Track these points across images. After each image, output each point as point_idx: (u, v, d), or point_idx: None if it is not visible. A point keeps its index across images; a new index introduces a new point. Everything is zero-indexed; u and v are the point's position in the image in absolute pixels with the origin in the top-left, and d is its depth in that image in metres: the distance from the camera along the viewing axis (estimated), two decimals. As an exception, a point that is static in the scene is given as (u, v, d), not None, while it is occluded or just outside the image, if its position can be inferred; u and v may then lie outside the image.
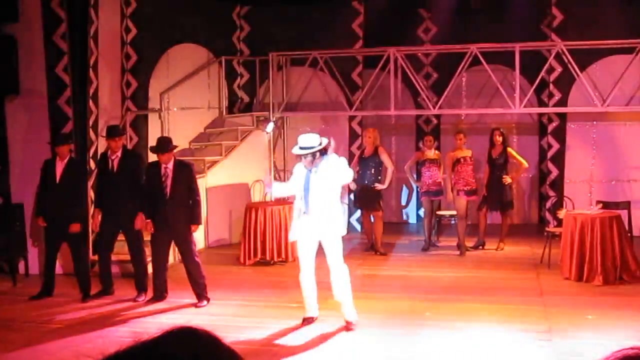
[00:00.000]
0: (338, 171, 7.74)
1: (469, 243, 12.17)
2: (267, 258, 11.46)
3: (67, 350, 7.44)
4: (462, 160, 12.03)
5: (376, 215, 12.23)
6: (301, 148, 7.71)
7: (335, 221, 7.83)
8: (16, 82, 10.68)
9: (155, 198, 9.02)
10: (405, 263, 11.58)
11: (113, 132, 9.47)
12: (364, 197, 12.03)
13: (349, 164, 12.51)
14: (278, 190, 8.67)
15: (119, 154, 9.39)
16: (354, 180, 11.41)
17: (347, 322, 7.94)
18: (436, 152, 12.58)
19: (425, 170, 12.36)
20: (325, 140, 7.76)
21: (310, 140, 7.71)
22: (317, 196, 7.75)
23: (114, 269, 10.08)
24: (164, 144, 9.11)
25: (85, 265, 9.70)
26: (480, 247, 12.31)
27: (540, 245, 11.39)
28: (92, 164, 11.01)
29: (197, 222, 9.19)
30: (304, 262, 7.97)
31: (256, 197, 13.60)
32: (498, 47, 12.90)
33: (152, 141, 12.32)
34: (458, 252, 11.92)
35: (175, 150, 9.39)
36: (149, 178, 9.20)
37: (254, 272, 11.06)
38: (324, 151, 7.76)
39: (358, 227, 14.56)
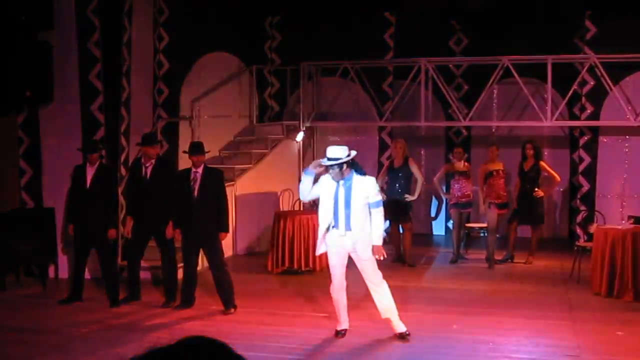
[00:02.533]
0: (370, 195, 7.69)
1: (498, 256, 12.08)
2: (295, 266, 11.47)
3: (95, 355, 7.50)
4: (494, 173, 11.90)
5: (405, 227, 12.17)
6: (328, 159, 7.66)
7: (367, 237, 7.77)
8: (50, 88, 10.81)
9: (185, 204, 9.07)
10: (434, 275, 11.54)
11: (149, 140, 9.53)
12: (393, 209, 11.76)
13: (377, 173, 12.59)
14: (306, 182, 8.29)
15: (153, 161, 9.45)
16: (383, 190, 11.38)
17: (401, 334, 7.89)
18: (466, 163, 12.49)
19: (454, 183, 12.27)
20: (354, 153, 7.71)
21: (338, 151, 7.64)
22: (347, 210, 7.69)
23: (144, 275, 10.14)
24: (197, 147, 9.21)
25: (114, 270, 9.76)
26: (509, 260, 12.21)
27: (570, 260, 11.27)
28: (123, 170, 11.10)
29: (225, 230, 9.21)
30: (335, 275, 7.90)
31: (285, 205, 13.61)
32: (530, 59, 12.85)
33: (182, 149, 12.41)
34: (487, 265, 11.83)
35: (206, 156, 9.43)
36: (179, 184, 9.26)
37: (282, 281, 11.07)
38: (352, 164, 7.74)
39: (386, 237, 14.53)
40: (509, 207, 12.20)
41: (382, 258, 7.79)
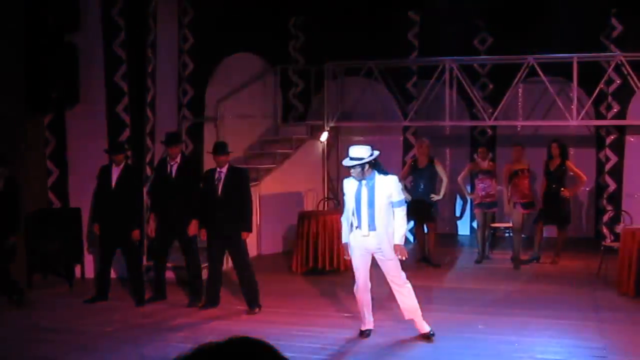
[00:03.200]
0: (393, 194, 7.68)
1: (524, 257, 12.00)
2: (320, 266, 11.47)
3: (120, 354, 7.55)
4: (519, 172, 11.79)
5: (429, 227, 12.13)
6: (351, 159, 7.64)
7: (391, 237, 7.75)
8: (76, 89, 10.90)
9: (210, 205, 9.11)
10: (458, 275, 11.49)
11: (172, 140, 9.58)
12: (417, 208, 11.66)
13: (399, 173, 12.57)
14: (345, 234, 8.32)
15: (177, 160, 9.51)
16: (407, 190, 11.44)
17: (425, 334, 7.88)
18: (490, 163, 12.42)
19: (478, 182, 12.20)
20: (377, 152, 7.69)
21: (360, 151, 7.63)
22: (370, 209, 7.67)
23: (169, 275, 10.20)
24: (220, 147, 9.26)
25: (139, 270, 9.82)
26: (535, 260, 12.13)
27: (596, 260, 11.19)
28: (149, 171, 11.17)
29: (247, 229, 9.22)
30: (359, 275, 7.87)
31: (309, 205, 13.62)
32: (555, 58, 12.76)
33: (207, 149, 12.46)
34: (512, 265, 11.76)
35: (230, 156, 9.46)
36: (205, 184, 9.31)
37: (306, 281, 11.08)
38: (375, 163, 7.73)
39: (410, 237, 14.50)
40: (534, 207, 12.08)
41: (404, 258, 7.77)
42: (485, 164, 12.25)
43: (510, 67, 13.20)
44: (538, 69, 12.59)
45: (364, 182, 7.65)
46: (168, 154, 9.59)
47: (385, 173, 7.77)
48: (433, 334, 7.87)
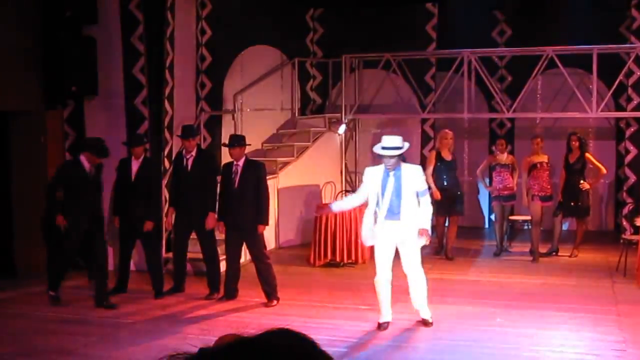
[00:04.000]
0: (419, 183, 7.68)
1: (543, 249, 11.95)
2: (337, 259, 11.47)
3: (139, 346, 7.59)
4: (538, 165, 11.74)
5: (453, 219, 12.07)
6: (387, 148, 7.56)
7: (414, 227, 7.74)
8: (95, 82, 10.94)
9: (227, 198, 9.14)
10: (477, 268, 11.45)
11: (187, 133, 9.61)
12: (441, 201, 11.54)
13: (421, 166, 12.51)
14: (338, 207, 8.66)
15: (193, 153, 9.54)
16: (435, 183, 11.50)
17: (424, 320, 8.02)
18: (509, 156, 12.38)
19: (496, 175, 12.16)
20: (407, 144, 7.68)
21: (396, 141, 7.60)
22: (397, 199, 7.64)
23: (187, 267, 10.23)
24: (235, 139, 9.28)
25: (158, 262, 9.87)
26: (554, 253, 12.08)
27: (616, 253, 11.12)
28: (167, 164, 11.20)
29: (264, 222, 9.22)
30: (382, 266, 7.86)
31: (327, 198, 13.62)
32: (575, 49, 12.67)
33: (225, 142, 12.48)
34: (531, 258, 11.72)
35: (246, 149, 9.47)
36: (223, 177, 9.32)
37: (324, 273, 11.09)
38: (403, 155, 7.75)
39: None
40: (552, 199, 11.99)
41: (428, 242, 7.89)
42: (503, 157, 12.18)
43: (529, 59, 13.12)
44: (557, 61, 12.50)
45: (392, 172, 7.61)
46: (184, 146, 9.62)
47: (408, 163, 7.81)
48: (431, 323, 8.02)
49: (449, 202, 11.75)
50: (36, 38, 10.71)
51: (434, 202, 10.13)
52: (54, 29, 10.63)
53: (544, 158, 11.85)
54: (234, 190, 9.08)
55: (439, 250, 12.17)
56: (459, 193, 11.98)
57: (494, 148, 12.88)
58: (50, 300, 9.22)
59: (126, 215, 9.57)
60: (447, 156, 11.87)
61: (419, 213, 7.75)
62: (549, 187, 11.86)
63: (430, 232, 7.89)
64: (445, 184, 11.74)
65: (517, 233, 13.60)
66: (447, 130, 12.14)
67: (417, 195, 7.71)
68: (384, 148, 7.58)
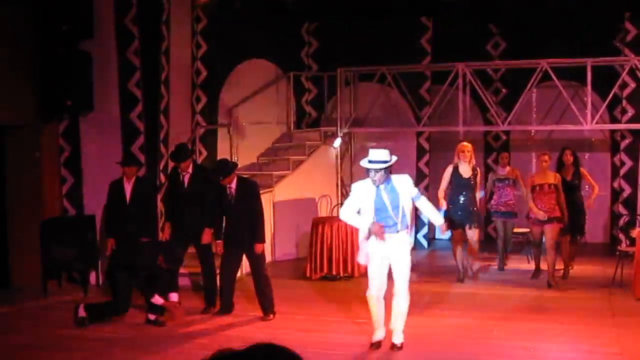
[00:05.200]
0: (411, 190, 7.61)
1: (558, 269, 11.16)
2: (334, 273, 11.46)
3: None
4: (537, 188, 10.60)
5: (470, 235, 10.89)
6: (373, 162, 7.43)
7: (407, 243, 7.70)
8: (90, 97, 10.95)
9: (225, 219, 9.15)
10: (474, 281, 11.41)
11: (180, 157, 9.47)
12: (458, 220, 10.73)
13: (416, 179, 12.41)
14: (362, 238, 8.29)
15: (189, 170, 9.51)
16: (452, 203, 10.81)
17: (393, 344, 7.76)
18: (511, 169, 12.01)
19: (496, 190, 11.87)
20: (395, 158, 7.60)
21: (382, 154, 7.45)
22: (395, 211, 7.53)
23: (184, 282, 10.20)
24: (223, 168, 9.14)
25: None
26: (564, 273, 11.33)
27: (611, 265, 11.10)
28: (162, 178, 11.20)
29: (261, 240, 9.16)
30: (374, 281, 7.68)
31: (323, 211, 13.62)
32: (569, 62, 12.72)
33: (221, 156, 12.47)
34: (531, 275, 11.29)
35: (242, 162, 9.48)
36: (219, 194, 9.28)
37: (320, 287, 11.07)
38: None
39: (425, 243, 14.51)
40: (558, 221, 10.62)
41: (445, 231, 8.59)
42: (504, 171, 11.92)
43: (523, 72, 13.17)
44: (552, 74, 12.55)
45: (382, 186, 7.48)
46: (179, 167, 9.58)
47: (395, 174, 7.76)
48: (400, 348, 7.73)
49: (460, 219, 10.79)
50: (32, 52, 10.71)
51: (450, 219, 10.28)
52: (49, 43, 10.64)
53: (549, 178, 10.65)
54: (231, 210, 9.08)
55: (461, 277, 11.09)
56: (473, 209, 10.86)
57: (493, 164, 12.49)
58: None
59: (123, 236, 9.56)
60: (465, 172, 10.81)
61: (428, 215, 8.24)
62: (553, 208, 10.58)
63: (444, 222, 8.29)
64: (460, 203, 10.78)
65: (520, 245, 13.40)
66: (465, 143, 11.06)
67: (413, 201, 7.68)
68: (370, 162, 7.45)
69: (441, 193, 10.92)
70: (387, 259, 7.63)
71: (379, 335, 7.88)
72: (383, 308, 7.82)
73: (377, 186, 7.47)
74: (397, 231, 7.55)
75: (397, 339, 7.77)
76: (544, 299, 10.03)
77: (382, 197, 7.50)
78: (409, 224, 7.74)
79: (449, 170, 10.93)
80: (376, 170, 7.38)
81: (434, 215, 8.05)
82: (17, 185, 11.10)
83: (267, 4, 13.67)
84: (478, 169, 11.12)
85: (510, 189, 11.81)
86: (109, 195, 9.87)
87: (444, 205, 10.74)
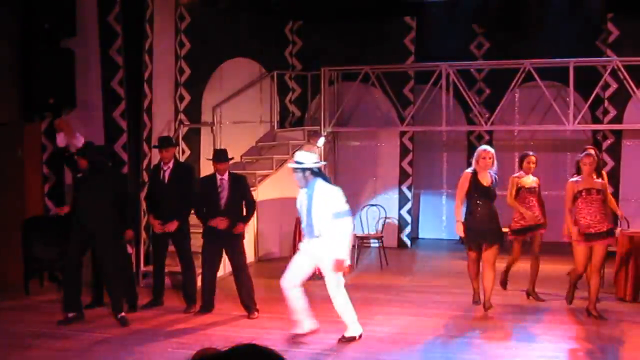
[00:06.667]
0: (333, 204, 7.67)
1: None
2: (318, 272, 11.41)
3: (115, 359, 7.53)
4: (583, 192, 8.89)
5: (487, 256, 9.17)
6: (295, 163, 7.79)
7: (331, 247, 7.72)
8: (73, 95, 10.88)
9: (210, 210, 9.12)
10: (458, 282, 11.42)
11: (163, 143, 9.58)
12: (475, 234, 9.17)
13: (400, 179, 12.35)
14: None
15: (170, 165, 9.50)
16: (473, 215, 9.13)
17: (345, 337, 7.95)
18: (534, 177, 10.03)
19: (520, 202, 9.85)
20: (322, 163, 7.93)
21: (304, 157, 7.79)
22: (309, 218, 7.75)
23: (166, 281, 10.16)
24: (222, 154, 9.29)
25: (131, 275, 9.77)
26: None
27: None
28: (145, 177, 11.15)
29: (246, 221, 9.33)
30: (289, 272, 8.09)
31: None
32: (552, 62, 12.79)
33: (204, 155, 12.45)
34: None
35: (230, 162, 9.50)
36: (204, 189, 9.28)
37: (305, 286, 11.02)
38: (318, 173, 7.82)
39: (408, 242, 14.53)
40: (608, 235, 8.98)
41: (344, 275, 7.85)
42: (529, 180, 9.92)
43: (506, 72, 13.22)
44: (534, 74, 12.61)
45: (305, 190, 7.76)
46: (161, 157, 9.59)
47: (325, 183, 7.86)
48: (347, 340, 7.90)
49: (479, 234, 9.16)
50: (14, 50, 10.65)
51: (470, 236, 9.14)
52: (32, 41, 10.57)
53: (596, 183, 9.00)
54: (221, 205, 9.08)
55: (477, 299, 9.63)
56: (493, 224, 9.14)
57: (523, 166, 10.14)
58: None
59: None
60: (486, 180, 9.14)
61: (335, 236, 7.68)
62: (603, 219, 8.92)
63: (347, 261, 7.78)
64: (478, 216, 9.10)
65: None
66: (486, 148, 9.34)
67: (334, 217, 7.69)
68: (295, 162, 7.78)
69: (459, 205, 9.29)
70: (311, 260, 7.95)
71: (298, 328, 8.11)
72: (297, 301, 8.09)
73: (302, 188, 7.79)
74: (316, 236, 7.73)
75: (347, 332, 7.98)
76: (524, 298, 10.02)
77: (302, 199, 7.83)
78: (332, 233, 7.70)
79: (467, 176, 9.20)
80: (295, 171, 7.72)
81: (340, 245, 7.68)
82: (-2, 183, 11.02)
83: (251, 3, 13.65)
84: (496, 175, 9.35)
85: (537, 199, 9.99)
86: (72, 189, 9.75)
87: (460, 230, 9.16)
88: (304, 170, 7.70)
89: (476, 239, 9.16)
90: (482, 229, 9.03)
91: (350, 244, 7.88)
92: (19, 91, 10.70)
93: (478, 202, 9.09)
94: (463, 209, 9.32)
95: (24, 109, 10.85)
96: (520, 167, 10.05)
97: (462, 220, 9.13)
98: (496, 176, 9.19)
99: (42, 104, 10.79)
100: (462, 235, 9.13)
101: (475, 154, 9.32)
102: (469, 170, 9.26)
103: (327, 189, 7.72)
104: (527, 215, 9.72)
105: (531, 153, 10.15)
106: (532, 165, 9.94)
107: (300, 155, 7.83)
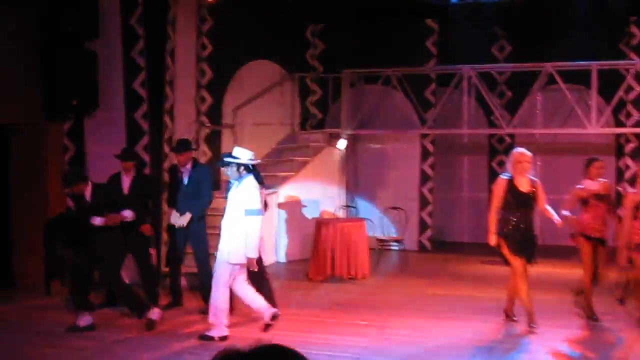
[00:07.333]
0: (246, 200, 7.87)
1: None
2: (337, 274, 11.45)
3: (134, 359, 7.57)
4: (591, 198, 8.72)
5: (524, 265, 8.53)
6: (232, 157, 8.02)
7: (231, 243, 7.89)
8: (95, 96, 10.96)
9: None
10: (487, 283, 11.35)
11: (178, 148, 9.62)
12: (524, 243, 8.48)
13: (420, 181, 12.32)
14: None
15: (188, 166, 9.52)
16: (511, 224, 8.42)
17: (206, 336, 8.07)
18: (603, 182, 9.08)
19: (586, 211, 8.92)
20: (255, 161, 8.18)
21: (241, 152, 8.03)
22: (228, 212, 8.01)
23: (182, 282, 10.20)
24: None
25: (152, 276, 9.82)
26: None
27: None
28: (166, 177, 11.20)
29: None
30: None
31: (326, 213, 13.60)
32: (574, 65, 12.71)
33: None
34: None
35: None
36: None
37: (323, 289, 11.06)
38: (252, 170, 8.04)
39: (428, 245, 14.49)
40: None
41: (251, 269, 8.05)
42: (596, 185, 8.97)
43: (528, 75, 13.16)
44: (556, 77, 12.54)
45: (235, 182, 8.00)
46: (177, 161, 9.63)
47: (261, 182, 8.26)
48: (209, 338, 8.00)
49: (521, 244, 8.48)
50: (38, 52, 10.75)
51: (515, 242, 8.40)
52: (55, 43, 10.67)
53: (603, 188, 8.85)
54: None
55: (532, 323, 8.51)
56: (533, 234, 8.68)
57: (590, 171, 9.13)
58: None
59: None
60: (524, 186, 8.50)
61: (241, 233, 7.86)
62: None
63: (255, 260, 7.94)
64: (517, 226, 8.43)
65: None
66: (522, 151, 8.69)
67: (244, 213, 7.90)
68: (231, 156, 8.06)
69: (493, 216, 8.55)
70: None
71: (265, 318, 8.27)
72: (249, 296, 8.25)
73: (233, 181, 8.06)
74: (225, 229, 8.01)
75: (211, 332, 8.13)
76: (545, 302, 9.87)
77: (231, 193, 8.03)
78: (237, 229, 7.90)
79: (502, 183, 8.53)
80: (228, 165, 7.97)
81: (249, 243, 7.89)
82: (21, 185, 11.12)
83: (272, 6, 13.69)
84: (537, 180, 8.71)
85: (605, 208, 9.00)
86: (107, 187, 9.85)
87: (494, 242, 8.52)
88: (238, 165, 7.94)
89: (519, 249, 8.40)
90: (519, 238, 8.40)
91: (257, 242, 7.99)
92: (42, 93, 10.80)
93: (514, 210, 8.40)
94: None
95: (47, 110, 10.94)
96: (588, 173, 8.98)
97: (497, 231, 8.43)
98: (537, 180, 8.60)
99: (66, 106, 10.88)
100: (493, 244, 8.46)
101: (511, 157, 8.68)
102: (504, 176, 8.58)
103: (248, 186, 7.91)
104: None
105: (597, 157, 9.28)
106: (600, 171, 9.04)
107: (237, 151, 8.11)
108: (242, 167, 7.94)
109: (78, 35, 10.77)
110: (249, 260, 7.89)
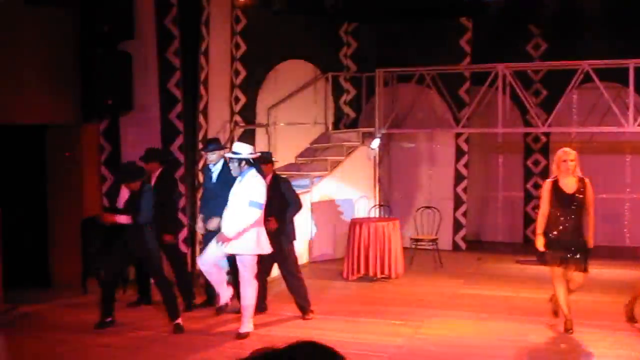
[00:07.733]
0: (251, 193, 8.04)
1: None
2: (371, 274, 11.43)
3: (174, 358, 7.61)
4: None
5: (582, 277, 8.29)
6: (231, 153, 8.24)
7: (242, 238, 8.07)
8: (130, 97, 11.06)
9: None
10: (519, 283, 11.29)
11: (207, 146, 9.64)
12: (567, 243, 8.20)
13: (455, 181, 12.26)
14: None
15: (218, 166, 9.53)
16: (559, 231, 8.20)
17: (240, 333, 8.26)
18: None
19: None
20: (257, 154, 8.41)
21: (241, 148, 8.26)
22: (232, 206, 8.15)
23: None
24: (265, 157, 9.32)
25: (185, 275, 9.89)
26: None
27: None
28: (201, 178, 11.25)
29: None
30: (206, 248, 8.56)
31: (361, 212, 13.60)
32: (611, 63, 12.55)
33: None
34: None
35: (280, 162, 9.55)
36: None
37: (357, 288, 11.05)
38: (254, 164, 8.22)
39: (462, 244, 14.40)
40: None
41: (222, 245, 8.16)
42: None
43: (564, 73, 13.01)
44: (593, 75, 12.40)
45: (239, 178, 8.17)
46: (206, 160, 9.65)
47: (263, 176, 8.38)
48: (244, 336, 8.17)
49: (563, 249, 8.19)
50: (74, 53, 10.86)
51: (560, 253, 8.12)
52: (91, 43, 10.78)
53: None
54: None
55: (569, 326, 8.40)
56: (581, 239, 8.22)
57: None
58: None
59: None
60: (569, 186, 8.22)
61: (237, 218, 8.11)
62: None
63: (227, 238, 8.11)
64: (561, 228, 8.20)
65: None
66: (567, 149, 8.38)
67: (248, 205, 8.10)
68: (232, 152, 8.27)
69: (541, 222, 8.32)
70: (222, 249, 8.30)
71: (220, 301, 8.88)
72: (212, 277, 8.68)
73: (236, 177, 8.22)
74: (227, 221, 8.20)
75: (241, 327, 8.33)
76: (583, 303, 9.76)
77: (235, 188, 8.21)
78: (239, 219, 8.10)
79: (547, 186, 8.31)
80: (231, 161, 8.20)
81: (235, 225, 8.08)
82: (58, 184, 11.25)
83: (306, 5, 13.69)
84: (586, 180, 8.24)
85: None
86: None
87: (540, 244, 8.24)
88: (239, 160, 8.13)
89: (559, 254, 8.14)
90: (566, 243, 8.11)
91: (242, 230, 8.09)
92: (77, 93, 10.91)
93: (560, 212, 8.16)
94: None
95: (82, 111, 11.06)
96: None
97: (543, 232, 8.24)
98: (587, 180, 8.19)
99: (101, 106, 10.98)
100: (541, 249, 8.18)
101: (555, 157, 8.41)
102: (550, 178, 8.37)
103: (254, 179, 8.11)
104: None
105: None
106: None
107: (237, 146, 8.32)
108: (243, 162, 8.16)
109: (113, 36, 10.87)
110: (223, 236, 8.12)
